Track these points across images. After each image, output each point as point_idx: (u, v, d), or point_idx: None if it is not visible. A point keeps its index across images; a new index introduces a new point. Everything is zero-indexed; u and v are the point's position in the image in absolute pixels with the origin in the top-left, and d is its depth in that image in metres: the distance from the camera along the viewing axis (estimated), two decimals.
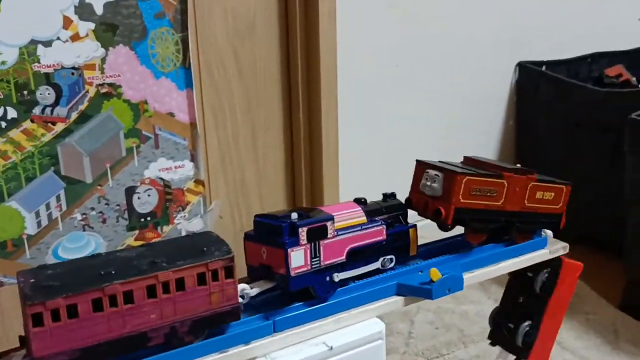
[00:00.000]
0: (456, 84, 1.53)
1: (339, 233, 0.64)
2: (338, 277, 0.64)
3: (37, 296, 0.49)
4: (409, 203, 0.75)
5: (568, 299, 0.84)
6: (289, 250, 0.60)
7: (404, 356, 1.05)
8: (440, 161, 0.76)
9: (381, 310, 0.67)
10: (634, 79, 1.64)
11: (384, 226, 0.68)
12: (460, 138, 1.58)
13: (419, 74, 1.45)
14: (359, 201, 0.70)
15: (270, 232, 0.62)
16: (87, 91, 1.05)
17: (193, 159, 1.18)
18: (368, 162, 1.42)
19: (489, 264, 0.74)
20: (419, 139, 1.51)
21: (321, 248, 0.62)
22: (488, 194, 0.72)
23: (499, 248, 0.76)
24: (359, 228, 0.66)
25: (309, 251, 0.61)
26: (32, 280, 0.51)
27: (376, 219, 0.68)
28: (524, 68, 1.59)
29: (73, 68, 1.03)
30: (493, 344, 0.89)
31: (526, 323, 0.84)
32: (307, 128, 1.30)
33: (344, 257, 0.64)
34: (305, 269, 0.61)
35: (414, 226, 0.72)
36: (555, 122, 1.52)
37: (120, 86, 1.07)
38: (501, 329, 0.87)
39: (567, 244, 0.80)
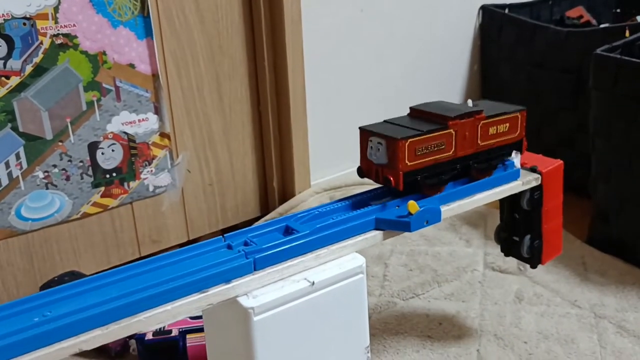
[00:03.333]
0: (421, 29, 1.52)
1: None
2: None
3: None
4: (360, 172, 0.73)
5: (561, 197, 0.86)
6: None
7: (380, 298, 1.06)
8: (384, 121, 0.74)
9: (360, 245, 0.66)
10: (594, 20, 1.66)
11: None
12: (426, 83, 1.57)
13: (383, 18, 1.43)
14: None
15: None
16: (41, 42, 1.00)
17: (157, 111, 1.15)
18: (336, 109, 1.41)
19: (464, 196, 0.74)
20: (384, 84, 1.49)
21: None
22: (436, 148, 0.70)
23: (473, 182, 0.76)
24: None
25: None
26: None
27: None
28: (487, 11, 1.59)
29: (24, 18, 0.98)
30: (507, 255, 0.92)
31: (528, 236, 0.86)
32: (273, 77, 1.27)
33: None
34: None
35: None
36: (518, 65, 1.52)
37: (76, 37, 1.03)
38: (508, 242, 0.90)
39: (539, 175, 0.81)
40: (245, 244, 0.64)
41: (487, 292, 1.07)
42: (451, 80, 1.65)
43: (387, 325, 0.99)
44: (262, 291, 0.59)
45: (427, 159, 0.70)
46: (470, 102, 0.78)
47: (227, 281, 0.58)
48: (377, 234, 0.67)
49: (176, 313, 0.55)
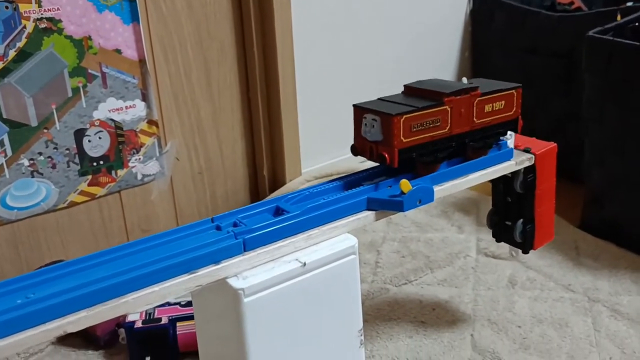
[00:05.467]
0: (412, 15, 1.51)
1: None
2: None
3: None
4: (354, 150, 0.72)
5: (554, 180, 0.85)
6: None
7: (372, 284, 1.05)
8: (379, 98, 0.72)
9: (352, 226, 0.65)
10: (585, 7, 1.65)
11: None
12: (417, 69, 1.56)
13: (374, 4, 1.42)
14: None
15: None
16: (25, 27, 0.98)
17: (144, 98, 1.13)
18: (326, 94, 1.39)
19: (457, 176, 0.73)
20: (375, 70, 1.48)
21: None
22: (431, 125, 0.69)
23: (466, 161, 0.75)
24: None
25: None
26: None
27: None
28: None
29: (6, 1, 0.95)
30: (498, 240, 0.91)
31: (520, 221, 0.85)
32: (263, 62, 1.26)
33: None
34: None
35: None
36: (510, 50, 1.51)
37: (60, 21, 1.01)
38: (500, 227, 0.89)
39: (532, 155, 0.80)
40: (235, 224, 0.62)
41: (480, 277, 1.06)
42: (442, 66, 1.63)
43: (380, 312, 0.98)
44: (252, 272, 0.58)
45: (422, 136, 0.69)
46: (465, 80, 0.77)
47: (217, 262, 0.57)
48: (369, 214, 0.66)
49: (164, 294, 0.54)
